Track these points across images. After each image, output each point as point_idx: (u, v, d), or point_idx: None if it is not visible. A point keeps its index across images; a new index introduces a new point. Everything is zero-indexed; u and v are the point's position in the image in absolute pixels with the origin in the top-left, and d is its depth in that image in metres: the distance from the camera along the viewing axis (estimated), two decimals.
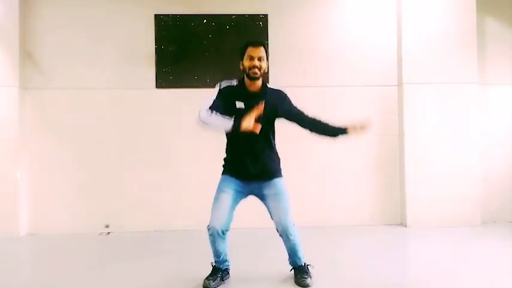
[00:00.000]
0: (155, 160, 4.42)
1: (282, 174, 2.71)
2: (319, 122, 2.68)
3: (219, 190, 2.66)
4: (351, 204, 4.51)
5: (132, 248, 3.77)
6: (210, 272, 2.72)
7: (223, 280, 2.72)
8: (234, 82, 2.67)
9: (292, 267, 2.78)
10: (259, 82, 2.64)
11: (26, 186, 4.33)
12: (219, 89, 2.65)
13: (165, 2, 4.49)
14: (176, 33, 4.47)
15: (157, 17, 4.46)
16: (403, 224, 4.45)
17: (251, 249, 3.66)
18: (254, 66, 2.56)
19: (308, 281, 2.64)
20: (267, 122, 2.59)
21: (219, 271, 2.71)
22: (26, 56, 4.37)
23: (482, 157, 4.50)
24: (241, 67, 2.63)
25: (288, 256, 2.77)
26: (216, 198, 2.63)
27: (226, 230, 2.60)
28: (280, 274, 2.87)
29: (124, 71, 4.43)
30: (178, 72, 4.46)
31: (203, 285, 2.63)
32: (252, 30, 4.48)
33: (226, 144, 2.75)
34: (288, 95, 2.72)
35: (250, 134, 2.46)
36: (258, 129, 2.43)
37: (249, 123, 2.40)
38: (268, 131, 2.63)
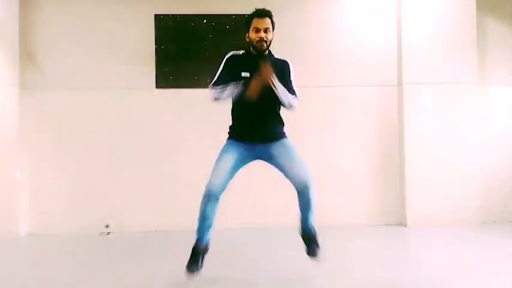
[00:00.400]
0: (155, 160, 4.42)
1: (287, 136, 2.72)
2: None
3: (223, 152, 2.64)
4: (351, 204, 4.50)
5: (132, 248, 3.77)
6: (190, 255, 2.64)
7: (203, 260, 2.65)
8: (241, 52, 2.69)
9: (301, 232, 2.74)
10: (265, 53, 2.63)
11: (26, 186, 4.32)
12: (226, 60, 2.69)
13: (165, 2, 4.49)
14: (176, 33, 4.47)
15: (157, 17, 4.46)
16: (403, 224, 4.45)
17: (254, 249, 3.65)
18: (261, 39, 2.53)
19: (318, 251, 2.67)
20: (271, 88, 2.54)
21: (199, 254, 2.65)
22: (26, 56, 4.37)
23: (482, 157, 4.50)
24: (246, 39, 2.60)
25: (300, 217, 2.73)
26: (218, 160, 2.62)
27: (222, 191, 2.58)
28: (283, 274, 2.87)
29: (124, 71, 4.43)
30: (178, 72, 4.46)
31: (186, 271, 2.56)
32: None
33: (232, 110, 2.74)
34: (291, 67, 2.71)
35: (255, 100, 2.50)
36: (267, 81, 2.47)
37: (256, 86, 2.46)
38: (272, 97, 2.59)
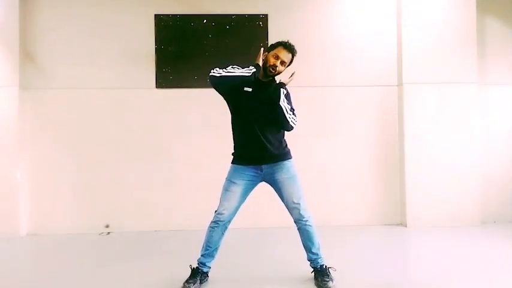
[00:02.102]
0: (155, 160, 4.43)
1: (291, 156, 2.73)
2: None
3: (229, 181, 2.67)
4: (351, 204, 4.51)
5: (132, 248, 3.77)
6: (189, 275, 2.68)
7: (201, 283, 2.68)
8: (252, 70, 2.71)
9: (312, 268, 2.75)
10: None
11: (26, 186, 4.33)
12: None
13: (165, 2, 4.49)
14: (176, 33, 4.47)
15: (157, 17, 4.46)
16: (403, 224, 4.45)
17: (254, 249, 3.66)
18: (275, 66, 2.62)
19: (330, 284, 2.62)
20: (272, 108, 2.60)
21: (198, 274, 2.68)
22: (26, 56, 4.37)
23: (482, 157, 4.50)
24: (263, 57, 2.67)
25: (305, 252, 2.75)
26: (226, 187, 2.66)
27: (232, 220, 2.66)
28: (287, 275, 2.87)
29: (124, 71, 4.43)
30: (178, 72, 4.46)
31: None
32: (252, 30, 4.48)
33: (232, 130, 2.75)
34: (288, 90, 2.72)
35: (256, 118, 2.58)
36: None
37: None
38: (273, 116, 2.63)
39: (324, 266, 2.72)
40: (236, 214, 2.67)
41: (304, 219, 2.66)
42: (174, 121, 4.45)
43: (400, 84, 4.49)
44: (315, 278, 2.70)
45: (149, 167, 4.42)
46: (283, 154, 2.69)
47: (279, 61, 2.62)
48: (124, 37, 4.44)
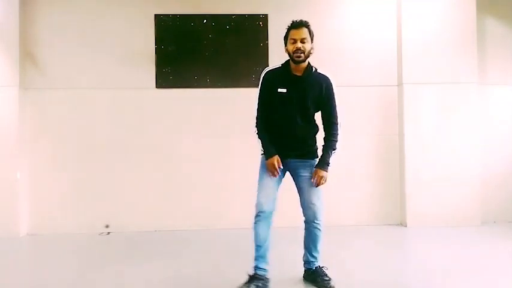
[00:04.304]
0: (155, 160, 4.42)
1: (318, 154, 2.67)
2: (327, 130, 2.70)
3: (263, 172, 2.61)
4: (350, 204, 4.51)
5: (132, 248, 3.76)
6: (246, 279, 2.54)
7: None
8: (278, 66, 2.64)
9: (306, 269, 2.72)
10: (304, 64, 2.58)
11: (26, 186, 4.32)
12: (263, 77, 2.63)
13: (165, 2, 4.49)
14: (176, 33, 4.47)
15: (157, 17, 4.46)
16: (403, 224, 4.45)
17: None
18: (297, 50, 2.49)
19: (332, 283, 2.58)
20: (309, 106, 2.57)
21: (254, 279, 2.50)
22: (26, 56, 4.37)
23: (482, 157, 4.50)
24: (286, 52, 2.58)
25: (304, 253, 2.72)
26: (261, 180, 2.60)
27: (273, 210, 2.56)
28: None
29: (124, 71, 4.43)
30: (178, 72, 4.46)
31: None
32: (252, 30, 4.48)
33: (267, 123, 2.66)
34: (333, 84, 2.65)
35: (292, 116, 2.55)
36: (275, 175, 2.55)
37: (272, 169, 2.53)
38: (310, 114, 2.62)
39: (319, 267, 2.70)
40: (276, 202, 2.58)
41: (316, 222, 2.60)
42: (174, 121, 4.45)
43: (400, 84, 4.49)
44: (312, 279, 2.67)
45: (149, 167, 4.42)
46: (312, 152, 2.65)
47: (298, 42, 2.48)
48: (124, 37, 4.44)
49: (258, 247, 2.56)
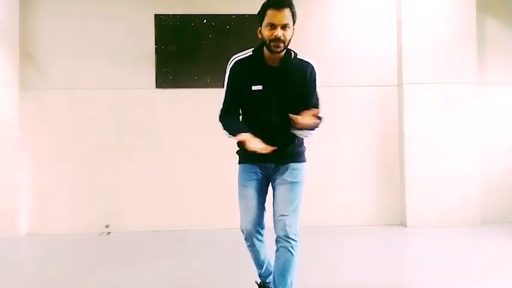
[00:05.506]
0: (155, 160, 4.42)
1: (305, 158, 2.19)
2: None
3: (241, 185, 2.17)
4: (351, 204, 4.50)
5: (132, 248, 3.77)
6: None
7: None
8: (248, 53, 2.11)
9: (260, 284, 2.30)
10: (282, 53, 2.04)
11: (26, 186, 4.32)
12: (230, 69, 2.10)
13: (165, 2, 4.49)
14: (176, 33, 4.47)
15: (157, 17, 4.45)
16: (403, 224, 4.45)
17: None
18: (276, 38, 1.94)
19: None
20: (291, 104, 2.05)
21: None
22: (26, 56, 4.37)
23: (482, 157, 4.50)
24: (259, 35, 2.04)
25: (269, 276, 2.25)
26: (240, 195, 2.17)
27: (262, 229, 2.16)
28: None
29: (124, 71, 4.43)
30: (178, 72, 4.46)
31: None
32: (252, 30, 4.44)
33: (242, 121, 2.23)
34: (317, 72, 2.20)
35: (270, 113, 2.05)
36: (268, 150, 1.93)
37: (255, 145, 1.91)
38: (290, 109, 1.99)
39: None
40: (263, 217, 2.18)
41: (288, 239, 2.00)
42: (174, 121, 4.45)
43: (400, 84, 4.49)
44: None
45: (149, 167, 4.42)
46: (296, 154, 2.16)
47: (278, 29, 1.93)
48: (124, 37, 4.44)
49: (259, 266, 2.28)
